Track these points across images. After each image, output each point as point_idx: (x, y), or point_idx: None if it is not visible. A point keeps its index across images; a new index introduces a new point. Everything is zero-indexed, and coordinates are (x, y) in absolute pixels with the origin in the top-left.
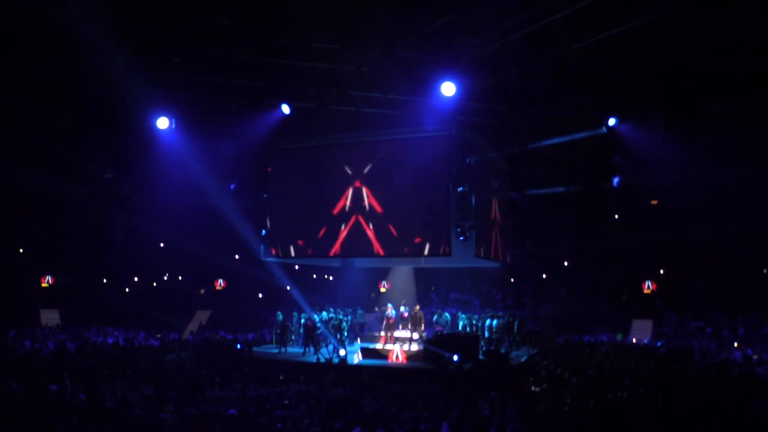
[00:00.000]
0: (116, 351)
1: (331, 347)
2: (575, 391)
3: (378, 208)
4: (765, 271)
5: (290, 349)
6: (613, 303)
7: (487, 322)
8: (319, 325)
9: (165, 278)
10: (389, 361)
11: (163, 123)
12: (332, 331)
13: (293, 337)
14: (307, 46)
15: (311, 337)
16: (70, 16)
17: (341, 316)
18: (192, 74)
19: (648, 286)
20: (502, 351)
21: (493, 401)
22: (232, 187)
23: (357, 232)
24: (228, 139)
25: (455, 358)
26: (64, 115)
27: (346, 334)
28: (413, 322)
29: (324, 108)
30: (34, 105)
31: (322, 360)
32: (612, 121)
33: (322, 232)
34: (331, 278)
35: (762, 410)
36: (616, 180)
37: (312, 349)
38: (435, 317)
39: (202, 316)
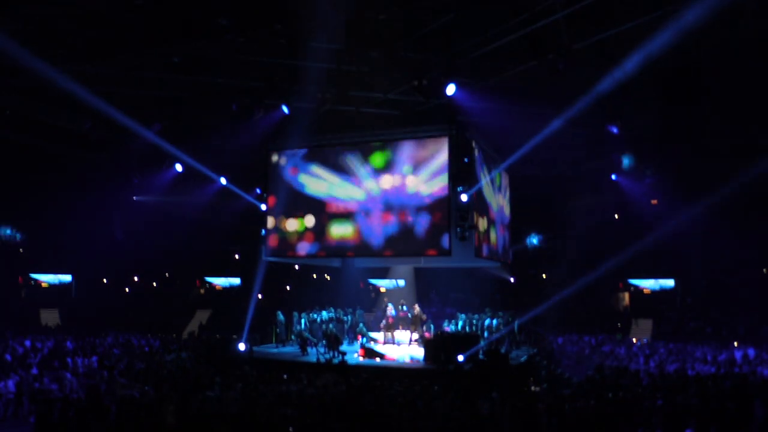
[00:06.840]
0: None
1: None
2: (575, 391)
3: (378, 208)
4: (765, 270)
5: (289, 349)
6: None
7: (487, 322)
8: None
9: (165, 277)
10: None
11: None
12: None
13: (293, 337)
14: (307, 46)
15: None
16: None
17: (342, 316)
18: (192, 74)
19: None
20: (502, 351)
21: (493, 401)
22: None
23: (357, 232)
24: (227, 139)
25: (460, 358)
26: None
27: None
28: (413, 322)
29: (324, 108)
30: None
31: (323, 360)
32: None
33: (322, 232)
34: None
35: (761, 411)
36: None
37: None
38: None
39: (202, 316)
